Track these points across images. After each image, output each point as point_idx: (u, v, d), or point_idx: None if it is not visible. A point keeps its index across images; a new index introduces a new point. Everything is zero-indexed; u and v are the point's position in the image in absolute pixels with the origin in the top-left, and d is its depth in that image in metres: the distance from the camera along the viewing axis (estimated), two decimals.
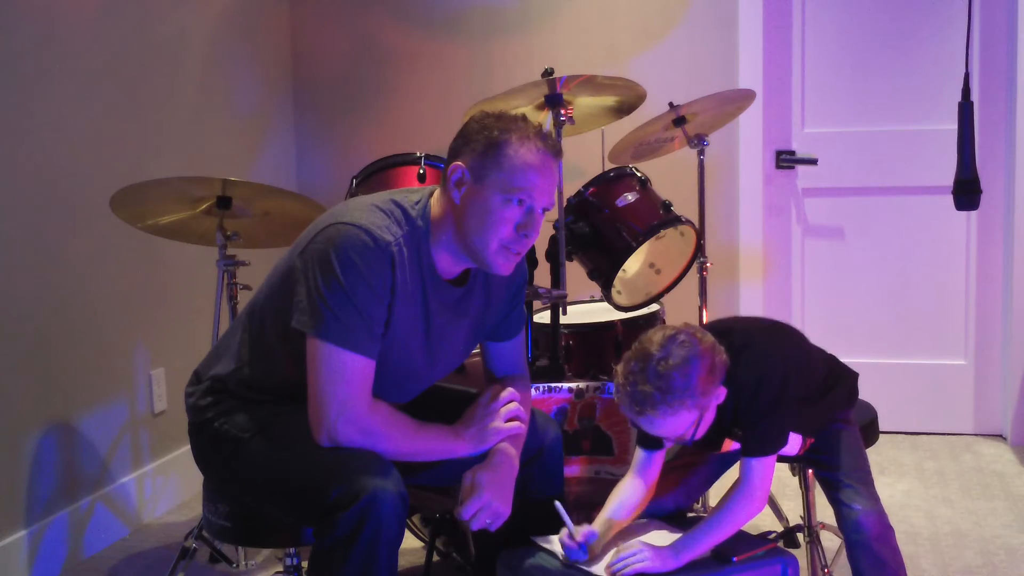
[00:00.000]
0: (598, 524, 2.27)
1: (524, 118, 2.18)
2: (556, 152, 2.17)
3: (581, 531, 2.21)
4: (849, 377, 2.50)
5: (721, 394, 2.20)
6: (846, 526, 2.40)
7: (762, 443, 2.24)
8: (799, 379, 2.31)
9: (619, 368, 2.19)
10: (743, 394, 2.23)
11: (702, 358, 2.15)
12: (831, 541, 2.85)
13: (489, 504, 2.13)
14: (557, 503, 2.23)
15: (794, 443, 2.40)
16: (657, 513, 2.42)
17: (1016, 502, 3.58)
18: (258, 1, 4.36)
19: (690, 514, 2.52)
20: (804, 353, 2.41)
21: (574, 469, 2.80)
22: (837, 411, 2.48)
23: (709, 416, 2.20)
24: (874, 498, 2.41)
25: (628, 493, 2.33)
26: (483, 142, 2.13)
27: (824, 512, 2.69)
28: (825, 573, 2.74)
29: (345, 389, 2.04)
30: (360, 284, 2.04)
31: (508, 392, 2.29)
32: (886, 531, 2.38)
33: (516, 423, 2.26)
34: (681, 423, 2.16)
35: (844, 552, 2.47)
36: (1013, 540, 3.27)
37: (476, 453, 2.21)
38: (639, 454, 2.36)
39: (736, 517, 2.23)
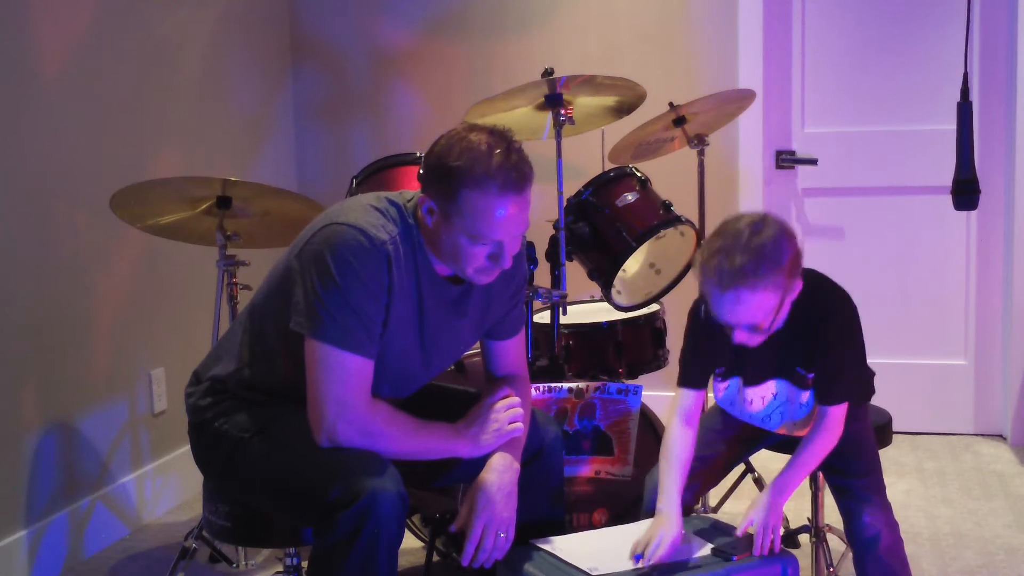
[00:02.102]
0: (673, 506, 2.28)
1: (490, 139, 2.06)
2: (522, 183, 2.05)
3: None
4: (870, 370, 2.51)
5: (798, 287, 2.22)
6: (856, 535, 2.37)
7: (844, 391, 2.31)
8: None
9: (703, 248, 2.21)
10: (816, 314, 2.28)
11: (791, 237, 2.19)
12: (837, 543, 2.84)
13: (492, 534, 2.15)
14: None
15: None
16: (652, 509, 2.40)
17: (1016, 502, 3.58)
18: (258, 1, 4.36)
19: (692, 513, 2.51)
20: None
21: (574, 469, 2.80)
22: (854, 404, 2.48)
23: (785, 309, 2.22)
24: (887, 508, 2.39)
25: (680, 448, 2.34)
26: (443, 184, 2.06)
27: (831, 515, 2.69)
28: (830, 572, 2.73)
29: (344, 390, 2.04)
30: (356, 285, 2.04)
31: (513, 397, 2.29)
32: (896, 542, 2.36)
33: (517, 424, 2.25)
34: (766, 302, 2.15)
35: (850, 556, 2.45)
36: (1013, 540, 3.27)
37: (477, 455, 2.21)
38: (685, 397, 2.37)
39: (819, 455, 2.34)
